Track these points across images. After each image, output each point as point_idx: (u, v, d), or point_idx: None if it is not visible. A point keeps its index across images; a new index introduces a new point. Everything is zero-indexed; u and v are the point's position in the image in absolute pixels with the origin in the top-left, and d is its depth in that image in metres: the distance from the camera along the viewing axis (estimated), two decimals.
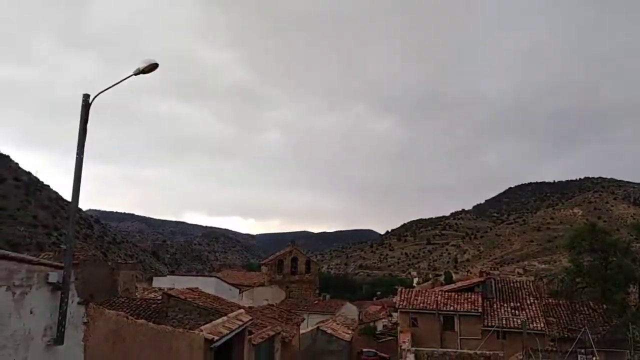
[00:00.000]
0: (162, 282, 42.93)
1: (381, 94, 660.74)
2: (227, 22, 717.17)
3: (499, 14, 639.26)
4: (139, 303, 23.74)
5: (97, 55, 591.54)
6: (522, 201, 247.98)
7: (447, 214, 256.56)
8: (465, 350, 31.51)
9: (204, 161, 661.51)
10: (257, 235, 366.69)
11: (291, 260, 65.38)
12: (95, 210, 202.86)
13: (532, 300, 37.68)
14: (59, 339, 5.95)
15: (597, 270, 37.90)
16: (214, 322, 14.62)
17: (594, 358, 24.38)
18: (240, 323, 15.62)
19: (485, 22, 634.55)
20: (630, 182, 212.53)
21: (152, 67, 7.27)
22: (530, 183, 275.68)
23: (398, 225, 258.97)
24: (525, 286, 40.68)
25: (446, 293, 39.83)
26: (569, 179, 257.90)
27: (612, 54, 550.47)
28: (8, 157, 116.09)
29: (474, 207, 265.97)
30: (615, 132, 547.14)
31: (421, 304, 37.95)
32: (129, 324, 8.09)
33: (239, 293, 47.28)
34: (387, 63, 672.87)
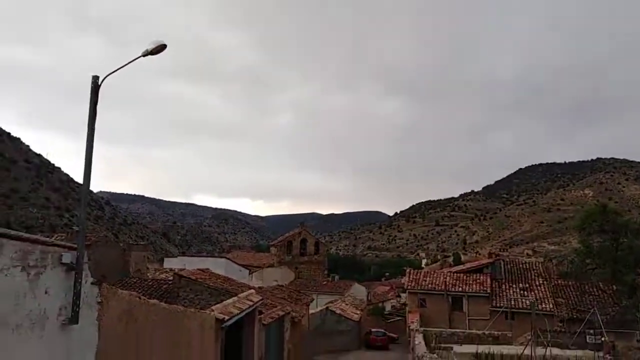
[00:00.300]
0: (173, 263, 43.41)
1: (392, 74, 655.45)
2: (237, 3, 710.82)
3: None
4: (150, 283, 24.10)
5: (106, 37, 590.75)
6: (532, 182, 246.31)
7: (456, 195, 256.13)
8: (473, 331, 31.74)
9: (214, 143, 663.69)
10: (266, 216, 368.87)
11: (300, 241, 65.79)
12: (106, 192, 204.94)
13: (541, 281, 37.74)
14: (73, 318, 6.06)
15: (607, 251, 37.77)
16: (224, 302, 14.79)
17: (602, 338, 24.40)
18: (251, 303, 15.78)
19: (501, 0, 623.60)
20: None
21: (160, 48, 7.22)
22: (541, 164, 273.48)
23: (407, 207, 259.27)
24: (534, 267, 40.72)
25: (455, 274, 40.00)
26: (581, 159, 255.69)
27: (628, 35, 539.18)
28: (19, 139, 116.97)
29: (484, 188, 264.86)
30: (628, 113, 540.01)
31: (430, 285, 38.17)
32: (141, 303, 8.20)
33: (249, 274, 47.74)
34: (399, 43, 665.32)
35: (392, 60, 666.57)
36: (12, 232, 5.51)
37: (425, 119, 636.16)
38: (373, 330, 40.39)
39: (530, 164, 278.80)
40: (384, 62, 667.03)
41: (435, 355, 13.60)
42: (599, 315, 24.85)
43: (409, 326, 35.00)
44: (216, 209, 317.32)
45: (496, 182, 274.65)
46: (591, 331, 25.42)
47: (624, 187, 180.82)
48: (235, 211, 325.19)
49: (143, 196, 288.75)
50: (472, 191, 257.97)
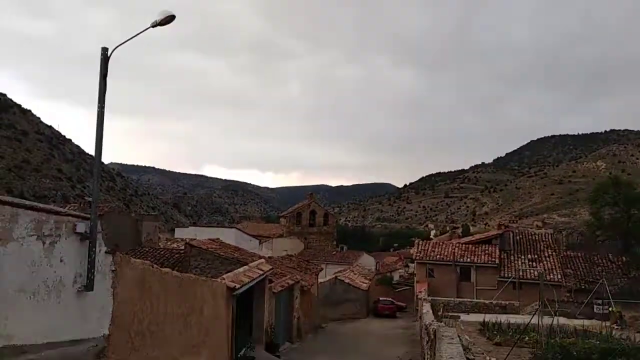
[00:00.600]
0: (184, 233, 44.01)
1: (402, 43, 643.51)
2: None
3: None
4: (162, 253, 24.51)
5: (115, 7, 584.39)
6: (544, 154, 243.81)
7: (467, 167, 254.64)
8: (480, 300, 32.05)
9: (223, 114, 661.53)
10: (275, 188, 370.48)
11: (309, 212, 66.12)
12: (117, 164, 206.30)
13: (550, 253, 37.82)
14: (89, 286, 6.22)
15: (618, 223, 37.59)
16: (235, 271, 15.04)
17: (610, 309, 24.56)
18: (261, 272, 16.04)
19: None
20: None
21: (169, 18, 7.15)
22: (553, 135, 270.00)
23: (416, 179, 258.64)
24: (543, 239, 40.73)
25: (463, 245, 40.17)
26: (594, 131, 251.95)
27: None
28: (30, 111, 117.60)
29: (495, 160, 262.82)
30: None
31: (438, 256, 38.44)
32: (154, 272, 8.37)
33: (259, 244, 48.31)
34: (408, 10, 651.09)
35: (402, 29, 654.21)
36: (27, 202, 5.62)
37: (436, 88, 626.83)
38: (381, 299, 40.94)
39: (542, 136, 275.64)
40: (393, 31, 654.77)
41: (442, 323, 13.79)
42: (607, 286, 24.96)
43: (417, 295, 35.43)
44: (226, 180, 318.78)
45: (507, 153, 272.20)
46: (599, 301, 25.58)
47: (637, 159, 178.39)
48: (245, 182, 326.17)
49: (153, 167, 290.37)
50: (483, 163, 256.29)
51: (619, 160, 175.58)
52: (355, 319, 36.05)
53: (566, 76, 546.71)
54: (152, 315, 8.04)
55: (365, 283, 41.29)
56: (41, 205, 5.94)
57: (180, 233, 46.81)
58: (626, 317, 23.90)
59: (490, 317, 22.36)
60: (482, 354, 14.87)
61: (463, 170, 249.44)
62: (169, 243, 36.51)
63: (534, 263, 36.46)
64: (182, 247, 24.07)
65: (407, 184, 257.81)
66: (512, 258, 37.59)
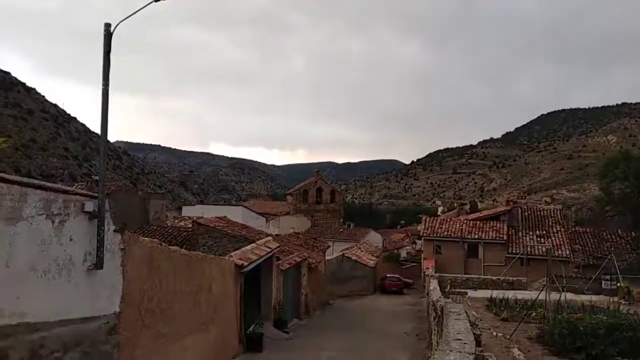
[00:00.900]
0: (192, 211, 44.26)
1: (407, 14, 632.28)
2: None
3: None
4: (170, 231, 24.69)
5: None
6: (553, 128, 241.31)
7: (475, 142, 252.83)
8: (488, 277, 32.16)
9: (228, 91, 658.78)
10: (282, 165, 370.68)
11: (316, 190, 66.20)
12: (123, 142, 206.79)
13: (558, 228, 37.72)
14: (99, 264, 6.26)
15: (628, 198, 37.25)
16: (243, 248, 15.13)
17: (618, 284, 24.55)
18: (269, 250, 16.12)
19: None
20: None
21: None
22: (564, 110, 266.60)
23: (424, 155, 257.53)
24: (552, 214, 40.58)
25: (471, 221, 40.14)
26: (605, 104, 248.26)
27: None
28: (34, 89, 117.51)
29: (503, 135, 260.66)
30: None
31: (445, 232, 38.47)
32: (162, 250, 8.42)
33: (266, 222, 48.55)
34: None
35: (408, 1, 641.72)
36: (36, 182, 5.61)
37: (444, 62, 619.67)
38: (388, 275, 41.19)
39: (552, 110, 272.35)
40: (399, 2, 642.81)
41: (449, 299, 13.85)
42: (615, 262, 24.89)
43: (424, 272, 35.61)
44: (232, 157, 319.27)
45: (516, 128, 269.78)
46: (607, 277, 25.56)
47: None
48: (252, 160, 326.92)
49: (159, 145, 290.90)
50: (491, 138, 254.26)
51: (630, 134, 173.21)
52: (362, 295, 36.38)
53: (577, 48, 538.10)
54: (161, 293, 8.12)
55: (373, 260, 41.52)
56: (49, 184, 5.94)
57: (187, 211, 47.11)
58: (634, 292, 23.92)
59: (497, 294, 22.45)
60: (489, 329, 14.98)
61: (471, 146, 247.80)
62: (176, 221, 36.76)
63: (542, 239, 36.42)
64: (190, 226, 24.22)
65: (415, 160, 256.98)
66: (520, 234, 37.55)
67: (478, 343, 8.19)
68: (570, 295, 19.82)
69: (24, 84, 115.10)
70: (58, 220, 5.65)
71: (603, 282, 25.87)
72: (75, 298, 5.92)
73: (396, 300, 33.16)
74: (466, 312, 9.89)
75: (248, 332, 13.81)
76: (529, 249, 34.84)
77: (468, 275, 32.93)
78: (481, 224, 38.76)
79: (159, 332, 8.05)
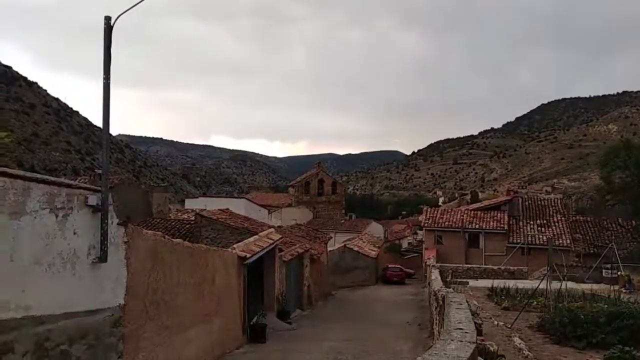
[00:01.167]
0: (194, 204, 44.26)
1: (407, 5, 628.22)
2: None
3: None
4: (173, 224, 24.78)
5: None
6: (554, 118, 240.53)
7: (476, 133, 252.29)
8: (489, 266, 32.29)
9: (229, 83, 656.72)
10: (283, 157, 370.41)
11: (318, 181, 66.22)
12: (125, 135, 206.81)
13: (559, 218, 37.80)
14: (103, 257, 6.31)
15: (629, 187, 37.26)
16: (245, 240, 15.20)
17: (618, 272, 24.65)
18: (271, 241, 16.20)
19: None
20: None
21: None
22: (564, 99, 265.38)
23: (425, 146, 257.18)
24: (552, 204, 40.62)
25: (472, 212, 40.21)
26: (606, 93, 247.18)
27: None
28: (36, 83, 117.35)
29: (504, 125, 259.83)
30: None
31: (446, 223, 38.55)
32: (166, 242, 8.47)
33: (268, 214, 48.64)
34: None
35: None
36: (39, 176, 5.65)
37: (444, 52, 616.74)
38: (390, 266, 41.36)
39: (552, 99, 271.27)
40: None
41: (450, 289, 13.93)
42: (616, 250, 24.97)
43: (426, 262, 35.75)
44: (233, 150, 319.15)
45: (517, 118, 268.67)
46: (607, 266, 25.67)
47: None
48: (253, 152, 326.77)
49: (161, 139, 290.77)
50: (492, 128, 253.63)
51: (631, 122, 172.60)
52: (364, 286, 36.55)
53: (577, 37, 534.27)
54: (165, 285, 8.18)
55: (374, 251, 41.67)
56: (53, 178, 5.97)
57: (190, 204, 47.12)
58: (635, 280, 24.01)
59: (498, 283, 22.57)
60: (490, 318, 15.07)
61: (472, 136, 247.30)
62: (179, 214, 36.80)
63: (542, 228, 36.49)
64: (193, 218, 24.30)
65: (415, 151, 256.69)
66: (521, 224, 37.62)
67: (479, 332, 8.26)
68: (571, 284, 19.91)
69: (25, 78, 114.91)
70: (62, 214, 5.69)
71: (604, 270, 26.00)
72: (79, 291, 5.98)
73: (398, 290, 33.31)
74: (467, 302, 9.95)
75: (251, 323, 13.91)
76: (529, 239, 34.92)
77: (469, 265, 33.06)
78: (482, 214, 38.82)
79: (163, 324, 8.12)
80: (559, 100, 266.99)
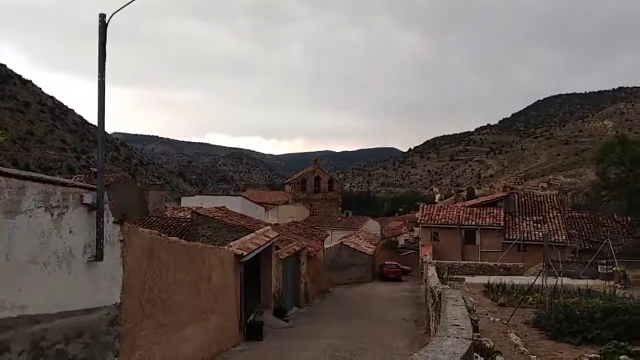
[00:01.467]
0: (191, 202, 44.28)
1: (406, 4, 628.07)
2: None
3: None
4: (169, 222, 24.74)
5: None
6: (550, 114, 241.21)
7: (472, 129, 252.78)
8: (485, 262, 32.40)
9: (225, 81, 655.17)
10: (280, 155, 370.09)
11: (314, 179, 66.18)
12: (120, 133, 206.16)
13: (555, 214, 37.94)
14: (98, 256, 6.29)
15: (624, 183, 37.42)
16: (242, 238, 15.19)
17: (614, 268, 24.78)
18: (268, 239, 16.20)
19: None
20: None
21: None
22: (560, 95, 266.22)
23: (421, 143, 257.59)
24: (548, 200, 40.78)
25: (468, 208, 40.32)
26: (602, 89, 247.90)
27: None
28: (30, 82, 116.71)
29: (500, 121, 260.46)
30: None
31: (443, 219, 38.64)
32: (162, 241, 8.45)
33: (265, 211, 48.64)
34: None
35: None
36: (34, 174, 5.62)
37: (442, 50, 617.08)
38: (387, 263, 41.43)
39: (548, 95, 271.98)
40: None
41: (447, 286, 13.98)
42: (611, 246, 25.09)
43: (422, 259, 35.83)
44: (230, 147, 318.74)
45: (513, 114, 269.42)
46: (603, 261, 25.80)
47: None
48: (250, 150, 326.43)
49: (157, 136, 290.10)
50: (488, 124, 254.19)
51: (626, 118, 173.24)
52: (361, 283, 36.62)
53: (574, 34, 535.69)
54: (161, 283, 8.18)
55: (371, 248, 41.74)
56: (48, 177, 5.95)
57: (186, 202, 47.13)
58: (630, 276, 24.14)
59: (494, 279, 22.65)
60: (487, 314, 15.14)
61: (468, 133, 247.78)
62: (175, 212, 36.79)
63: (538, 224, 36.62)
64: (189, 216, 24.26)
65: (412, 148, 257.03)
66: (517, 220, 37.74)
67: (475, 329, 8.30)
68: (566, 280, 20.00)
69: (20, 76, 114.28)
70: (57, 212, 5.67)
71: (599, 266, 26.12)
72: (75, 290, 5.96)
73: (394, 287, 33.39)
74: (463, 298, 10.00)
75: (248, 321, 13.92)
76: (525, 235, 35.06)
77: (465, 262, 33.15)
78: (478, 211, 38.93)
79: (160, 322, 8.12)
80: (554, 96, 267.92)
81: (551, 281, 16.82)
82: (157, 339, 8.00)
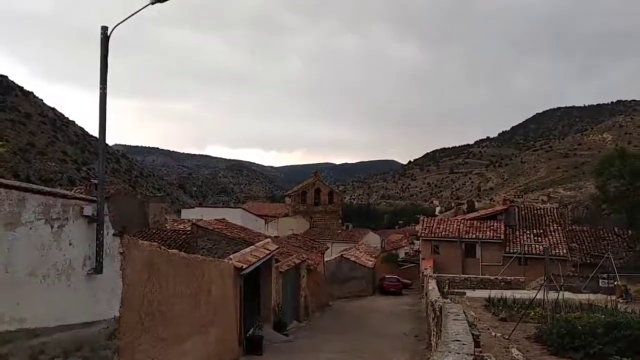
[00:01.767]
0: (191, 214, 44.12)
1: (403, 13, 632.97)
2: None
3: None
4: (169, 234, 24.65)
5: None
6: (549, 127, 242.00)
7: (471, 142, 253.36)
8: (486, 276, 32.22)
9: (225, 93, 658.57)
10: (280, 167, 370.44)
11: (314, 191, 66.17)
12: (121, 145, 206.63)
13: (555, 227, 37.82)
14: (98, 268, 6.26)
15: (624, 196, 37.40)
16: (242, 251, 15.13)
17: (615, 282, 24.63)
18: (268, 252, 16.13)
19: None
20: None
21: None
22: (559, 108, 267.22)
23: (421, 155, 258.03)
24: (549, 213, 40.70)
25: (468, 221, 40.22)
26: (601, 102, 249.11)
27: None
28: (32, 93, 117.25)
29: (499, 134, 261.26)
30: None
31: (443, 232, 38.52)
32: (162, 253, 8.42)
33: (265, 224, 48.52)
34: None
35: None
36: (34, 186, 5.62)
37: (440, 61, 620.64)
38: (387, 276, 41.20)
39: (547, 108, 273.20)
40: (395, 1, 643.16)
41: (448, 300, 13.89)
42: (612, 260, 24.96)
43: (423, 272, 35.65)
44: (230, 159, 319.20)
45: (512, 127, 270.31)
46: (604, 275, 25.64)
47: None
48: (250, 162, 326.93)
49: (157, 148, 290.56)
50: (488, 137, 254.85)
51: (625, 131, 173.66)
52: (361, 296, 36.38)
53: (573, 45, 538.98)
54: (161, 296, 8.12)
55: (371, 261, 41.54)
56: (48, 188, 5.94)
57: (186, 214, 46.99)
58: (632, 290, 23.99)
59: (495, 293, 22.50)
60: (488, 329, 15.01)
61: (468, 145, 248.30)
62: (175, 224, 36.67)
63: (539, 238, 36.50)
64: (189, 228, 24.19)
65: (412, 160, 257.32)
66: (518, 233, 37.63)
67: (477, 344, 8.22)
68: (568, 294, 19.87)
69: (21, 87, 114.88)
70: (57, 224, 5.65)
71: (600, 280, 25.96)
72: (74, 303, 5.92)
73: (395, 301, 33.17)
74: (465, 313, 9.93)
75: (248, 334, 13.81)
76: (526, 248, 34.92)
77: (466, 275, 32.98)
78: (478, 224, 38.83)
79: (159, 335, 8.05)
80: (554, 109, 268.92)
81: (552, 295, 16.70)
82: (156, 353, 7.93)
